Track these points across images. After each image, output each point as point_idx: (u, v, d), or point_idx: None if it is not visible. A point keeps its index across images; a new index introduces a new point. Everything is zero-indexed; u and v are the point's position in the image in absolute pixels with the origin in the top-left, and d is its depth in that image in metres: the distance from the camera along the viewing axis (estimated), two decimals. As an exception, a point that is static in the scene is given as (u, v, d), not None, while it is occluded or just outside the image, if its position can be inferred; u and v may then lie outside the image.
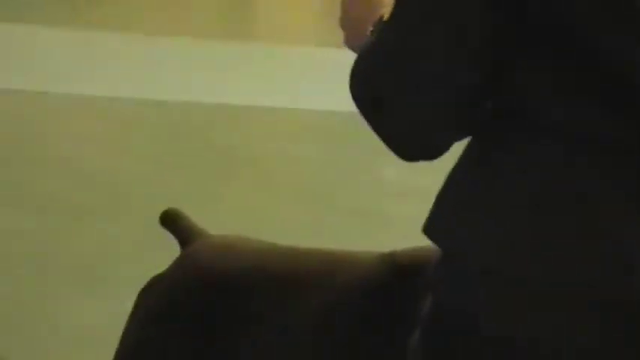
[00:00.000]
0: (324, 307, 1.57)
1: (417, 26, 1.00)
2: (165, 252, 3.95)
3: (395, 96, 1.01)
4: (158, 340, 1.92)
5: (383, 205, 5.41)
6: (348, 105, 6.33)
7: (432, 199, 1.94)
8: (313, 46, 9.34)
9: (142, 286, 2.02)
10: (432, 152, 1.06)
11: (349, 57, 8.38)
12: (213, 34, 8.09)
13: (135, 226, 4.51)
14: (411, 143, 1.04)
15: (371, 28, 1.22)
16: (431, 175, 5.66)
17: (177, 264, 1.98)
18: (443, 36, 1.00)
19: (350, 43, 1.29)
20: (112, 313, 3.58)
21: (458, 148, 1.87)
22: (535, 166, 1.01)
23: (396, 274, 1.53)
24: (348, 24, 1.27)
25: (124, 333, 1.96)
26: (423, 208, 4.41)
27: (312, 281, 1.64)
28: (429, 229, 1.09)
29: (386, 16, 1.08)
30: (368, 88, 1.03)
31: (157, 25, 8.90)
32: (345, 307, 1.55)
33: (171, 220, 2.03)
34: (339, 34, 7.76)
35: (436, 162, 1.35)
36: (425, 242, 1.39)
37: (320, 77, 7.93)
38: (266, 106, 6.82)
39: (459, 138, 1.08)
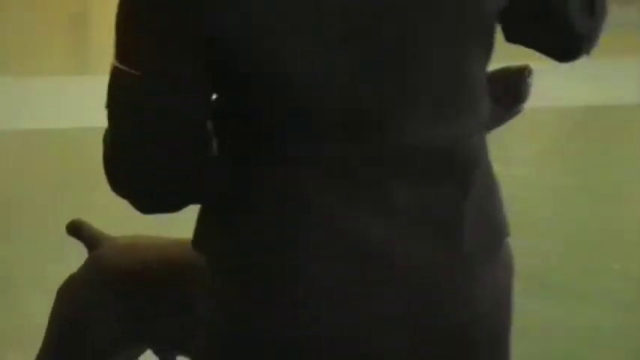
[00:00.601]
0: None
1: (123, 119, 1.20)
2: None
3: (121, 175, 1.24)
4: (85, 326, 2.27)
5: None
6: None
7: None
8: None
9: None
10: (164, 208, 1.28)
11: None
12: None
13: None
14: (141, 202, 1.26)
15: None
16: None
17: (87, 265, 2.31)
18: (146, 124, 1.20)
19: None
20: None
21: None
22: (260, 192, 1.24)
23: None
24: None
25: (50, 324, 2.30)
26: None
27: None
28: (197, 244, 1.32)
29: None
30: (104, 162, 1.24)
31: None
32: None
33: (75, 229, 2.32)
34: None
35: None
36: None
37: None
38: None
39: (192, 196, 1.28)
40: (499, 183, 1.42)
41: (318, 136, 1.26)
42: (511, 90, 1.77)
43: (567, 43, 1.52)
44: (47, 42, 10.60)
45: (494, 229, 1.39)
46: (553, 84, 7.63)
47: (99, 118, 6.90)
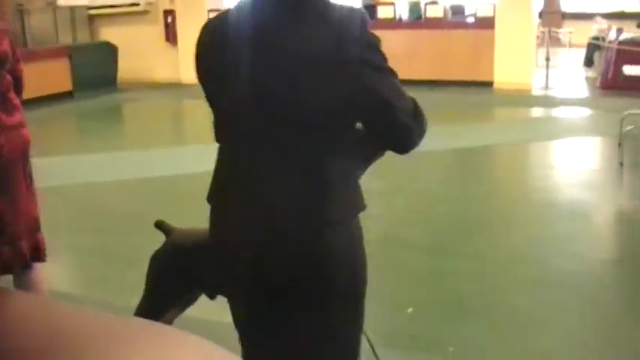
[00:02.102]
0: None
1: None
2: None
3: None
4: (166, 277, 2.59)
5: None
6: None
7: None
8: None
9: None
10: None
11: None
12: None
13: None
14: None
15: None
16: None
17: (165, 244, 2.66)
18: None
19: None
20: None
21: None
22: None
23: None
24: None
25: (146, 278, 2.64)
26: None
27: None
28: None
29: None
30: None
31: None
32: None
33: (159, 225, 2.71)
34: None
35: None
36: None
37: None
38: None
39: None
40: (342, 194, 1.69)
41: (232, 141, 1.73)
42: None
43: (400, 139, 1.66)
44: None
45: (320, 216, 1.66)
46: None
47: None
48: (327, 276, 1.66)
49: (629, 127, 6.98)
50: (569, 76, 13.39)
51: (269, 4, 1.67)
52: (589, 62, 13.63)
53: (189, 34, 14.23)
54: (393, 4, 12.67)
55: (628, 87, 7.37)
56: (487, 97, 11.15)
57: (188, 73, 13.77)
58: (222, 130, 1.75)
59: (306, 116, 1.60)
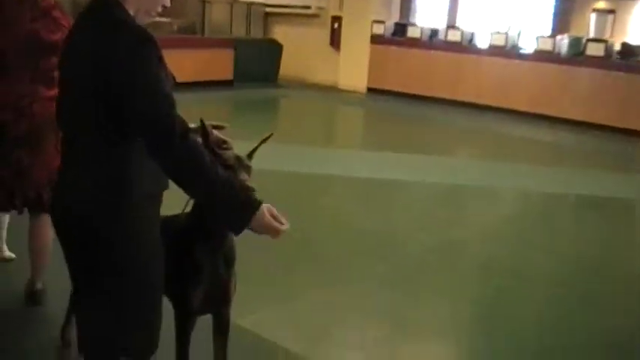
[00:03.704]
0: None
1: None
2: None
3: None
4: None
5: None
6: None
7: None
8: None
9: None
10: None
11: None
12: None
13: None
14: None
15: None
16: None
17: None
18: None
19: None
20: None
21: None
22: None
23: None
24: None
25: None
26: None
27: None
28: None
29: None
30: None
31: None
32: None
33: None
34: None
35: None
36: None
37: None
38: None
39: None
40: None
41: None
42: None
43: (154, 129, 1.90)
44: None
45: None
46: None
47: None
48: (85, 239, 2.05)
49: None
50: None
51: (84, 11, 2.02)
52: None
53: (352, 42, 14.86)
54: (553, 37, 12.40)
55: None
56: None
57: (346, 80, 14.39)
58: None
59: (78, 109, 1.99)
